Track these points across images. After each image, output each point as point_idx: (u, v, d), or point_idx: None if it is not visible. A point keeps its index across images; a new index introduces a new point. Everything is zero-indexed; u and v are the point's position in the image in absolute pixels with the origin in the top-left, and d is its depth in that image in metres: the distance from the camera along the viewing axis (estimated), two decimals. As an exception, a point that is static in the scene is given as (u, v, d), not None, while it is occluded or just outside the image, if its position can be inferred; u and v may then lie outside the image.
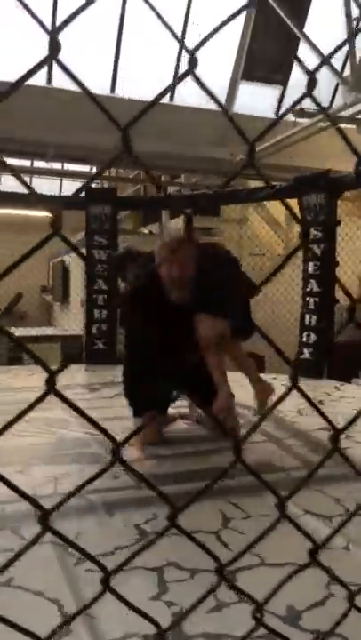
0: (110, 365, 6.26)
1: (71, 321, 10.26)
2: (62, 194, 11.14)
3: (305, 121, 6.24)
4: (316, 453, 2.90)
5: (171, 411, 3.39)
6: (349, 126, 6.11)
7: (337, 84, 6.89)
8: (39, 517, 0.60)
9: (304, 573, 1.72)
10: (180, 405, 3.58)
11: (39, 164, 8.82)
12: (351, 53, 5.38)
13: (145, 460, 2.77)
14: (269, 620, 1.46)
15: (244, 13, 6.90)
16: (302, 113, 6.15)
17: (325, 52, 5.63)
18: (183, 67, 6.01)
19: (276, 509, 2.28)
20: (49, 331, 10.53)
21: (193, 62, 0.59)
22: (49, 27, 0.53)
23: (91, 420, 0.58)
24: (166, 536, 2.08)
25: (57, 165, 9.39)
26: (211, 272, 2.90)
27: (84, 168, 10.48)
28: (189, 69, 0.58)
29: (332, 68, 5.62)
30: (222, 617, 1.49)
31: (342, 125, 6.35)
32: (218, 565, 0.69)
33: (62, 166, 9.93)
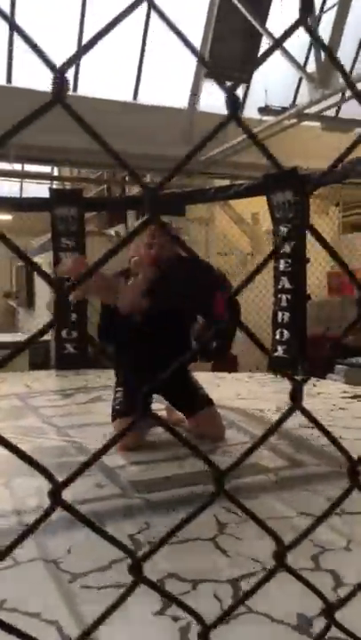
0: (81, 370, 6.16)
1: (37, 326, 10.06)
2: (23, 196, 10.92)
3: (270, 119, 6.26)
4: (300, 452, 2.87)
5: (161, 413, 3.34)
6: (314, 124, 6.15)
7: (299, 81, 6.94)
8: (49, 492, 0.54)
9: (309, 578, 1.68)
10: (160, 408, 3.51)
11: (-1, 165, 8.61)
12: (316, 49, 5.41)
13: (129, 467, 2.69)
14: (281, 629, 1.42)
15: (206, 12, 6.87)
16: (267, 110, 6.16)
17: (289, 49, 5.65)
18: (149, 63, 5.89)
19: (270, 511, 2.23)
20: (13, 337, 10.31)
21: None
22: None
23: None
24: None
25: (17, 166, 9.19)
26: (186, 275, 2.85)
27: (45, 169, 10.31)
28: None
29: (296, 64, 5.63)
30: (230, 629, 1.43)
31: (308, 123, 6.40)
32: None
33: (22, 167, 9.73)
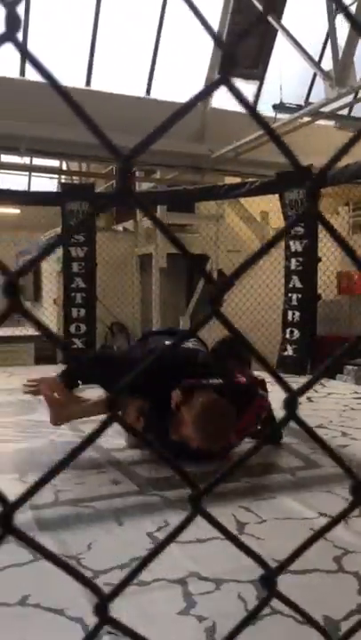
0: (89, 365, 6.16)
1: (45, 321, 10.05)
2: (31, 189, 10.89)
3: (285, 116, 6.22)
4: (316, 453, 2.85)
5: None
6: (328, 122, 6.11)
7: (313, 79, 6.90)
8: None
9: (332, 581, 1.67)
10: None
11: (8, 158, 8.59)
12: (333, 47, 5.37)
13: (145, 464, 2.66)
14: (309, 634, 1.40)
15: (222, 7, 6.83)
16: (282, 108, 6.13)
17: (304, 46, 5.61)
18: (161, 60, 5.86)
19: (290, 512, 2.21)
20: (20, 331, 10.31)
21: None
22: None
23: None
24: (180, 544, 1.99)
25: (26, 159, 9.17)
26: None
27: (54, 163, 10.27)
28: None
29: (313, 61, 5.59)
30: (256, 630, 1.42)
31: (322, 122, 6.36)
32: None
33: (31, 161, 9.71)
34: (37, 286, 10.81)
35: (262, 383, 2.86)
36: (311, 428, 0.54)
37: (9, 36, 0.36)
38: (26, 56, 0.38)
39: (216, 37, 0.46)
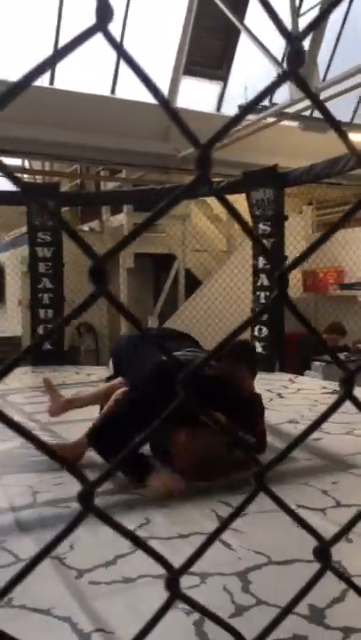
0: (58, 366, 6.09)
1: (8, 322, 9.91)
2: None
3: (251, 117, 6.28)
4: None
5: None
6: (293, 123, 6.21)
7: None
8: (79, 495, 0.46)
9: (315, 570, 1.71)
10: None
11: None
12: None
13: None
14: (294, 621, 1.43)
15: (185, 8, 6.86)
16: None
17: (268, 46, 5.68)
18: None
19: (269, 505, 2.26)
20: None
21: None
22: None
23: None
24: (162, 540, 2.00)
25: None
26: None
27: (16, 162, 10.12)
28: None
29: (277, 62, 5.67)
30: (244, 621, 1.44)
31: (286, 122, 6.45)
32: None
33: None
34: (1, 288, 10.64)
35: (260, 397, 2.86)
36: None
37: (100, 27, 0.36)
38: (119, 52, 0.38)
39: (285, 34, 0.46)
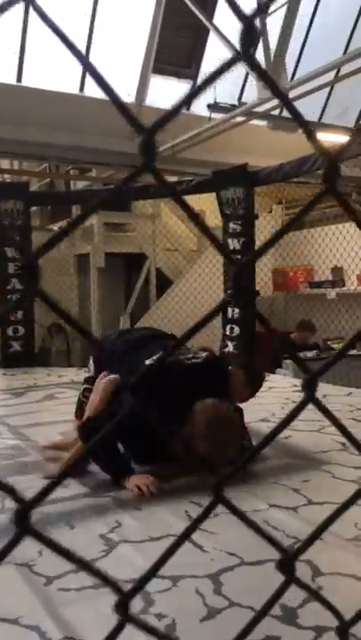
0: (28, 368, 6.01)
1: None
2: None
3: (219, 116, 6.29)
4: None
5: None
6: (262, 122, 6.24)
7: (245, 77, 7.01)
8: (15, 513, 0.45)
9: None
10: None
11: None
12: (265, 48, 5.47)
13: (94, 465, 2.57)
14: (266, 621, 1.42)
15: (154, 6, 6.83)
16: (217, 107, 6.19)
17: (236, 44, 5.68)
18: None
19: (242, 504, 2.24)
20: None
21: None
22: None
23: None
24: (133, 544, 1.97)
25: None
26: None
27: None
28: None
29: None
30: (216, 624, 1.43)
31: (254, 122, 6.47)
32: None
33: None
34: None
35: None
36: (330, 411, 0.55)
37: None
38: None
39: (236, 11, 0.44)
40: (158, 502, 2.18)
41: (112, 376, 2.67)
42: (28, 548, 1.90)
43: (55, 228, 9.62)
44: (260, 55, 5.75)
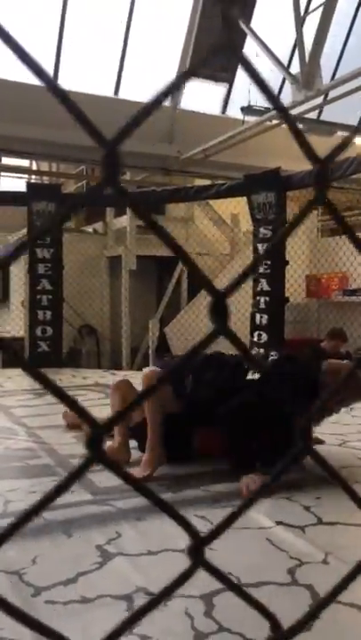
0: (55, 369, 6.03)
1: (13, 322, 9.87)
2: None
3: (253, 119, 6.20)
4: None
5: None
6: (298, 126, 6.09)
7: (282, 83, 6.91)
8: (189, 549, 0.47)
9: (285, 594, 1.62)
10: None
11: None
12: (300, 50, 5.36)
13: (103, 472, 2.54)
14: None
15: (191, 9, 6.80)
16: (250, 110, 6.11)
17: (274, 49, 5.60)
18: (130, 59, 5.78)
19: (247, 521, 2.15)
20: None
21: None
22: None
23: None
24: (129, 557, 1.91)
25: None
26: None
27: (24, 162, 10.13)
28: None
29: (281, 65, 5.59)
30: (202, 649, 1.35)
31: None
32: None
33: (0, 160, 9.55)
34: (5, 288, 10.63)
35: None
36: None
37: None
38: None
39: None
40: (161, 514, 2.11)
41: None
42: (23, 554, 1.85)
43: (89, 230, 9.69)
44: (296, 58, 5.65)
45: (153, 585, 1.60)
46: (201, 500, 2.23)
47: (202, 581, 1.72)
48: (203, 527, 2.01)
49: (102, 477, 2.49)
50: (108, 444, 2.70)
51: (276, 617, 0.52)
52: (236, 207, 7.24)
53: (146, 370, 2.89)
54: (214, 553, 1.80)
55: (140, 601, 1.54)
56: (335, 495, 2.36)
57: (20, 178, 10.82)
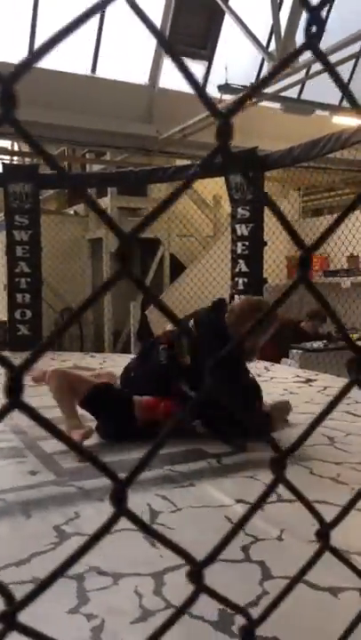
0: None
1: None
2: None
3: (230, 97, 6.13)
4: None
5: None
6: (275, 105, 6.06)
7: (262, 60, 6.82)
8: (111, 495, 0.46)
9: (235, 570, 1.62)
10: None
11: None
12: (276, 27, 5.28)
13: (69, 453, 2.52)
14: (199, 627, 1.35)
15: (168, -16, 6.67)
16: (228, 89, 6.03)
17: (250, 26, 5.51)
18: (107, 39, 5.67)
19: (206, 499, 2.15)
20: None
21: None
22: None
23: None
24: (83, 536, 1.91)
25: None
26: None
27: (3, 143, 9.95)
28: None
29: (256, 41, 5.51)
30: (144, 627, 1.36)
31: (268, 104, 6.30)
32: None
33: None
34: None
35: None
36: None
37: None
38: None
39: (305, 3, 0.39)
40: (122, 494, 2.11)
41: None
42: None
43: (70, 212, 9.59)
44: (264, 33, 5.55)
45: (105, 564, 1.60)
46: (162, 480, 2.23)
47: (153, 561, 1.71)
48: (164, 507, 2.02)
49: (68, 458, 2.49)
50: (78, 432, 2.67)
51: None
52: (218, 188, 7.18)
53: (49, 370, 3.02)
54: (172, 531, 1.80)
55: (91, 580, 1.54)
56: (296, 474, 2.37)
57: (1, 160, 10.68)
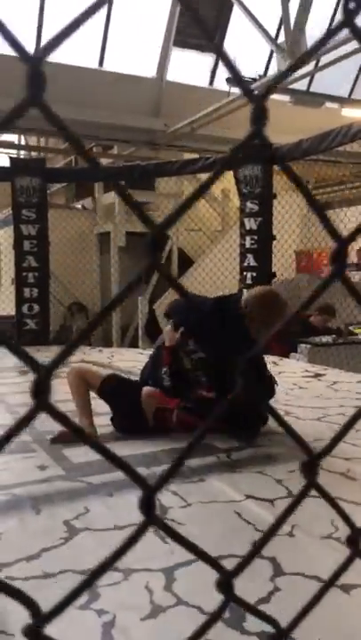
0: (43, 346, 6.00)
1: (6, 300, 9.82)
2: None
3: (238, 90, 6.07)
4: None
5: None
6: (284, 97, 6.00)
7: (271, 53, 6.76)
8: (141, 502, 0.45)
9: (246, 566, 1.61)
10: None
11: None
12: (285, 19, 5.23)
13: (79, 448, 2.53)
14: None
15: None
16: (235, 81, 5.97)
17: (259, 17, 5.46)
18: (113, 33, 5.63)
19: (217, 495, 2.14)
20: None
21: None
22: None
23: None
24: (93, 532, 1.90)
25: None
26: None
27: (11, 137, 9.95)
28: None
29: (265, 33, 5.46)
30: (155, 623, 1.35)
31: (277, 97, 6.23)
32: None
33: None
34: (-5, 266, 10.52)
35: None
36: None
37: None
38: None
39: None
40: (131, 489, 2.10)
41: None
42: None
43: (78, 206, 9.58)
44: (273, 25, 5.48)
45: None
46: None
47: (164, 556, 1.70)
48: (174, 502, 2.01)
49: (77, 453, 2.48)
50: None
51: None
52: (226, 183, 7.14)
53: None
54: (181, 527, 1.79)
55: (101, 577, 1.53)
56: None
57: (8, 153, 10.68)
